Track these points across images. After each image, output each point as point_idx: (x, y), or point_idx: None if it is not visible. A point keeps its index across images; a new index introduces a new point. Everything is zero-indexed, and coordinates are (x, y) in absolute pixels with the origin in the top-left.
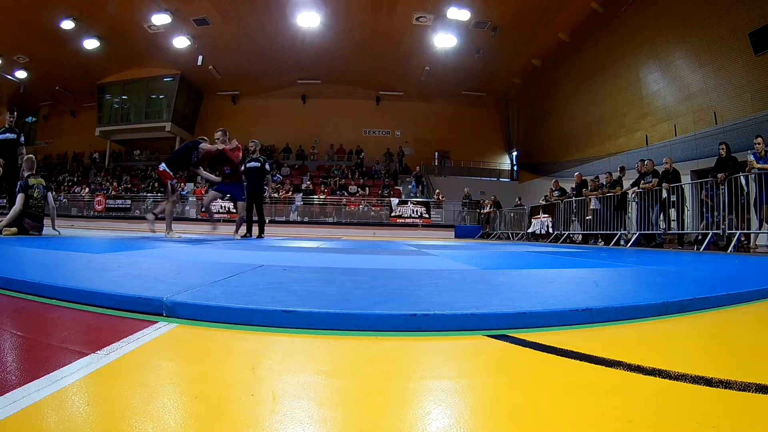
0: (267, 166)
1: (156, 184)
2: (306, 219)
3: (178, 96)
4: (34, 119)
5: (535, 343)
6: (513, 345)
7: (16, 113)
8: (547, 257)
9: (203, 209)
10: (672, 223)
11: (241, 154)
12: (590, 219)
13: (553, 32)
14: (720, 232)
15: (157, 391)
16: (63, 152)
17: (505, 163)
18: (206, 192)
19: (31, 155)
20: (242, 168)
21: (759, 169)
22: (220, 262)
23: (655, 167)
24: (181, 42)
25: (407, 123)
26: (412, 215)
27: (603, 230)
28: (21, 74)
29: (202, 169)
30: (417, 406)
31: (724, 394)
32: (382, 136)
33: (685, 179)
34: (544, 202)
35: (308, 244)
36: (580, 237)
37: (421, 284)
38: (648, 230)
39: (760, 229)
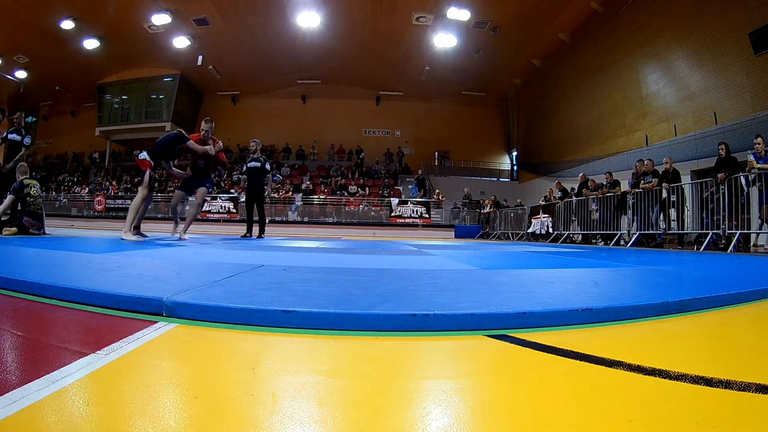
0: (267, 166)
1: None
2: (306, 219)
3: (178, 96)
4: (34, 119)
5: (535, 343)
6: (513, 345)
7: (23, 115)
8: (547, 257)
9: (170, 210)
10: (672, 223)
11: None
12: (594, 219)
13: (553, 32)
14: (720, 232)
15: (157, 391)
16: (63, 152)
17: (505, 163)
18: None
19: (23, 163)
20: (244, 168)
21: (759, 169)
22: (220, 262)
23: (655, 167)
24: (181, 42)
25: (407, 123)
26: (412, 215)
27: (603, 230)
28: (21, 74)
29: (171, 164)
30: (417, 406)
31: (724, 394)
32: (382, 136)
33: (685, 179)
34: (544, 202)
35: (308, 244)
36: (580, 237)
37: (421, 284)
38: (648, 230)
39: (760, 229)
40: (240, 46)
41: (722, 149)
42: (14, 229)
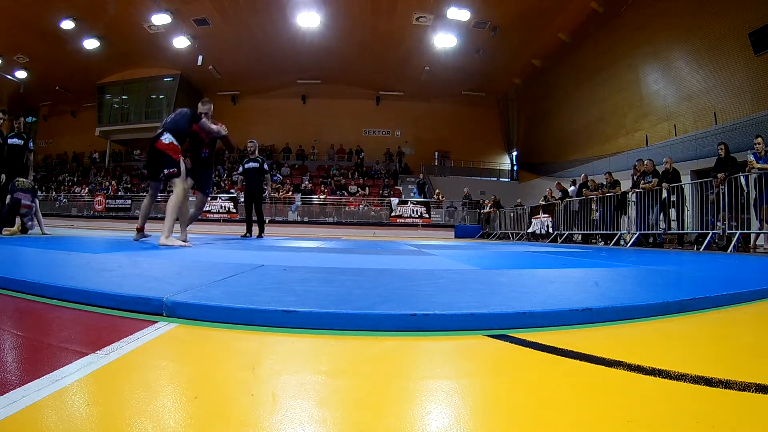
0: (266, 166)
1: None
2: (306, 219)
3: (178, 96)
4: (34, 119)
5: (535, 343)
6: (513, 345)
7: (22, 119)
8: (547, 257)
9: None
10: (672, 223)
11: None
12: (594, 219)
13: (553, 32)
14: (720, 232)
15: (157, 391)
16: (63, 152)
17: (505, 163)
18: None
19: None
20: (240, 169)
21: (759, 169)
22: (220, 262)
23: (655, 167)
24: (181, 42)
25: (407, 123)
26: (412, 215)
27: (603, 230)
28: (21, 74)
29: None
30: (417, 406)
31: (724, 394)
32: (382, 136)
33: (685, 179)
34: (543, 203)
35: (308, 244)
36: (580, 237)
37: (421, 284)
38: (648, 230)
39: (760, 229)
40: (240, 46)
41: (722, 149)
42: (15, 228)
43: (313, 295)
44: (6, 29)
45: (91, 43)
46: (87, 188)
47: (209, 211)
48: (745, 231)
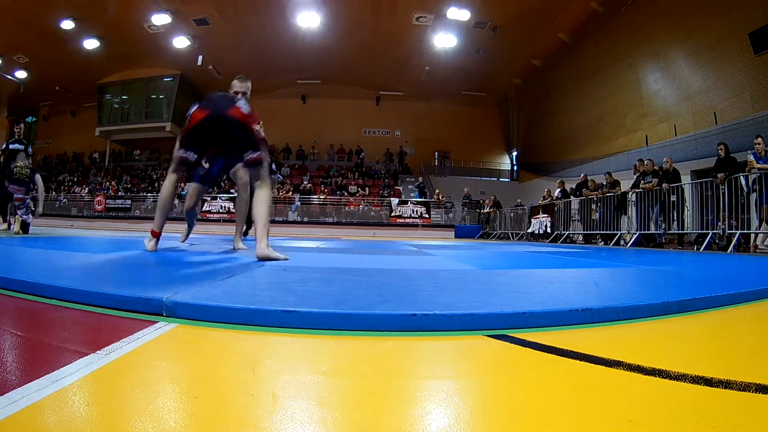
0: (273, 166)
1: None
2: (306, 219)
3: (178, 96)
4: (34, 119)
5: (535, 343)
6: (513, 345)
7: (22, 125)
8: (547, 257)
9: (187, 210)
10: (672, 223)
11: None
12: (594, 219)
13: (553, 32)
14: (720, 232)
15: (157, 391)
16: (63, 152)
17: (505, 163)
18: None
19: (22, 153)
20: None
21: (759, 169)
22: (220, 262)
23: (655, 167)
24: (181, 42)
25: (407, 123)
26: (412, 215)
27: (603, 230)
28: (21, 74)
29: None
30: (417, 406)
31: (724, 394)
32: (382, 136)
33: (685, 179)
34: (542, 202)
35: (308, 244)
36: (580, 237)
37: (421, 284)
38: (648, 230)
39: (759, 229)
40: (240, 46)
41: (721, 149)
42: (5, 226)
43: (313, 295)
44: (6, 29)
45: (91, 43)
46: (87, 188)
47: (209, 211)
48: (745, 231)
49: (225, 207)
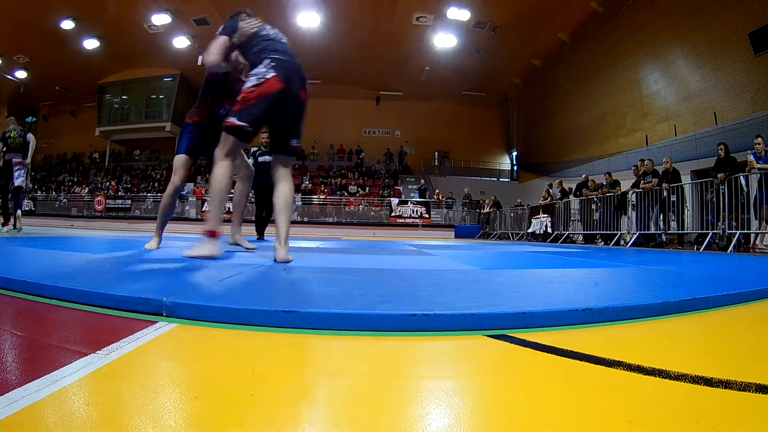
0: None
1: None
2: (306, 219)
3: (178, 96)
4: (34, 119)
5: (535, 343)
6: (513, 345)
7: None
8: (547, 257)
9: (206, 209)
10: (672, 223)
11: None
12: (594, 219)
13: (553, 32)
14: (720, 232)
15: (157, 391)
16: (63, 152)
17: (505, 163)
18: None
19: (11, 117)
20: (250, 161)
21: (759, 169)
22: (220, 262)
23: (655, 167)
24: (181, 42)
25: (407, 123)
26: (412, 215)
27: (603, 230)
28: (21, 74)
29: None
30: (417, 406)
31: (724, 394)
32: (382, 136)
33: (685, 179)
34: (542, 202)
35: (308, 244)
36: (581, 237)
37: (421, 284)
38: (648, 230)
39: (759, 228)
40: None
41: (721, 149)
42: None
43: (313, 295)
44: (6, 29)
45: (91, 43)
46: (87, 188)
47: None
48: (745, 231)
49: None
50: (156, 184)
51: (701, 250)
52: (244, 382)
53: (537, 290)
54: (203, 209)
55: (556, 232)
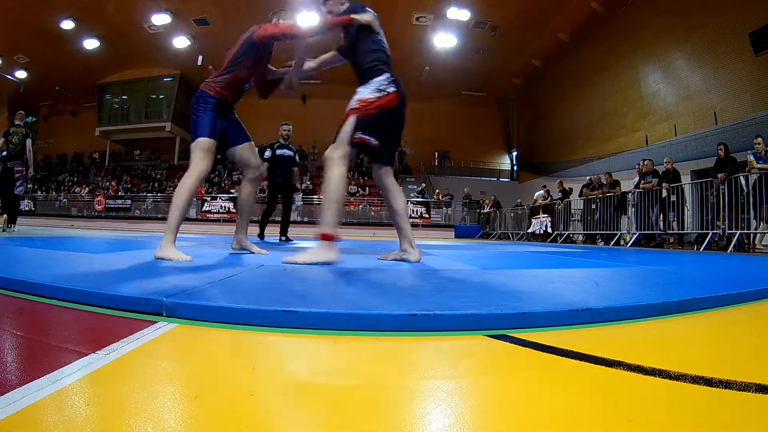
0: (297, 158)
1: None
2: (306, 219)
3: (178, 96)
4: (34, 119)
5: (535, 343)
6: (513, 345)
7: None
8: (547, 257)
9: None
10: (672, 223)
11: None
12: (593, 219)
13: (553, 32)
14: (720, 232)
15: (157, 391)
16: (63, 152)
17: (505, 163)
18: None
19: (21, 112)
20: (268, 153)
21: (759, 169)
22: (220, 262)
23: (655, 167)
24: (181, 42)
25: (407, 123)
26: (412, 215)
27: (603, 230)
28: (21, 74)
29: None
30: (417, 406)
31: (724, 394)
32: None
33: (685, 179)
34: (542, 202)
35: (308, 244)
36: (580, 237)
37: (421, 284)
38: (648, 230)
39: (758, 228)
40: None
41: (721, 149)
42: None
43: (312, 295)
44: (6, 29)
45: (91, 43)
46: (87, 188)
47: (209, 211)
48: (745, 231)
49: (225, 207)
50: (156, 184)
51: (701, 250)
52: (244, 382)
53: (537, 290)
54: (203, 209)
55: (556, 232)
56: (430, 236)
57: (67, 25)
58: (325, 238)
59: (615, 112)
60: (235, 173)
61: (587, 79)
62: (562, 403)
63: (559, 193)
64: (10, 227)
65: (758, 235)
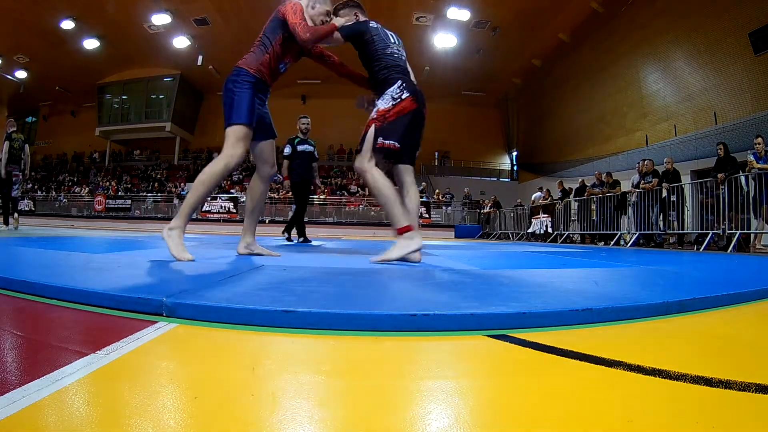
0: (316, 153)
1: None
2: (306, 219)
3: (178, 96)
4: (34, 119)
5: (535, 343)
6: (513, 345)
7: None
8: (547, 257)
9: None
10: (672, 223)
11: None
12: (593, 219)
13: (553, 32)
14: (720, 232)
15: (157, 391)
16: (63, 152)
17: (505, 163)
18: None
19: (12, 119)
20: (287, 149)
21: (759, 169)
22: (220, 262)
23: (655, 167)
24: (181, 42)
25: None
26: None
27: (603, 230)
28: (21, 74)
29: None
30: (417, 406)
31: (724, 394)
32: None
33: (685, 179)
34: (542, 202)
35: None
36: (580, 237)
37: (421, 284)
38: (648, 230)
39: (759, 228)
40: (240, 46)
41: (720, 149)
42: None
43: (312, 295)
44: (6, 29)
45: (91, 43)
46: (87, 188)
47: (209, 211)
48: (745, 231)
49: (225, 207)
50: (156, 185)
51: (701, 250)
52: (244, 382)
53: (537, 290)
54: (203, 209)
55: (556, 232)
56: (430, 236)
57: (67, 25)
58: (402, 231)
59: (615, 112)
60: (234, 173)
61: (587, 79)
62: (562, 403)
63: (560, 193)
64: (9, 226)
65: (758, 235)
